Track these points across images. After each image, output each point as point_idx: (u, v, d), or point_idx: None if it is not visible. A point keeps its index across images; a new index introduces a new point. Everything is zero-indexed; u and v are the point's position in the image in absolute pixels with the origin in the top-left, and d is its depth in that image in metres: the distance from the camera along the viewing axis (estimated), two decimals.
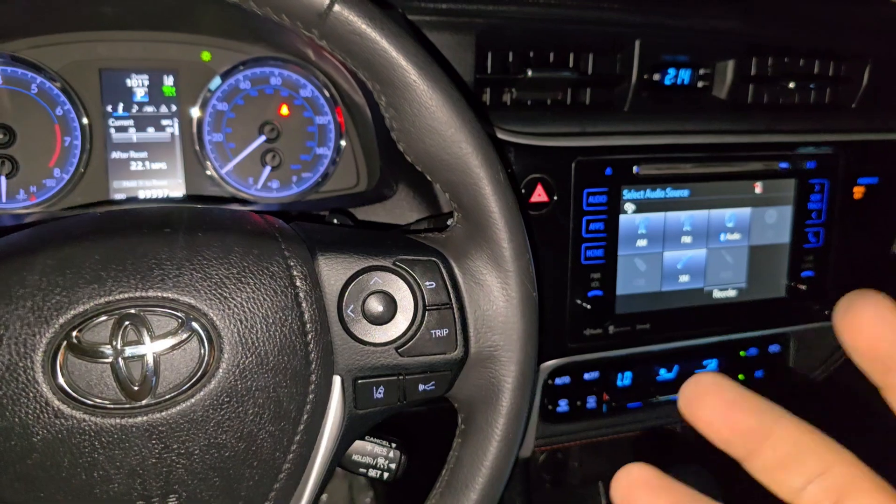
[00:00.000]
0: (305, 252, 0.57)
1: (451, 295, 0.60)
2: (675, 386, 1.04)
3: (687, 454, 1.24)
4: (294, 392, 0.56)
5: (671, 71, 0.94)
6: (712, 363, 1.05)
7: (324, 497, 1.67)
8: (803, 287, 1.02)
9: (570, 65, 0.91)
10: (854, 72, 1.05)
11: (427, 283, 0.60)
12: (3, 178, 0.87)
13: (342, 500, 1.68)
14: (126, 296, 0.52)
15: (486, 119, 0.83)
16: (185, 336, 0.52)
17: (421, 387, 0.61)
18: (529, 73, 0.85)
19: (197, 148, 0.92)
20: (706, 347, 1.04)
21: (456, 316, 0.60)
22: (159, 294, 0.52)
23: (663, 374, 1.03)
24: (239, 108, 0.93)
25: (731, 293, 0.99)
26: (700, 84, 0.97)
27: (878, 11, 1.04)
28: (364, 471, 0.68)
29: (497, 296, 0.61)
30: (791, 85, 1.00)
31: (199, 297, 0.53)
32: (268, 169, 0.95)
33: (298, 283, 0.56)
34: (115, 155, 0.91)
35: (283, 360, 0.55)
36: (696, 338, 1.00)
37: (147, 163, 0.92)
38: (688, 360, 1.04)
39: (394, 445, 0.69)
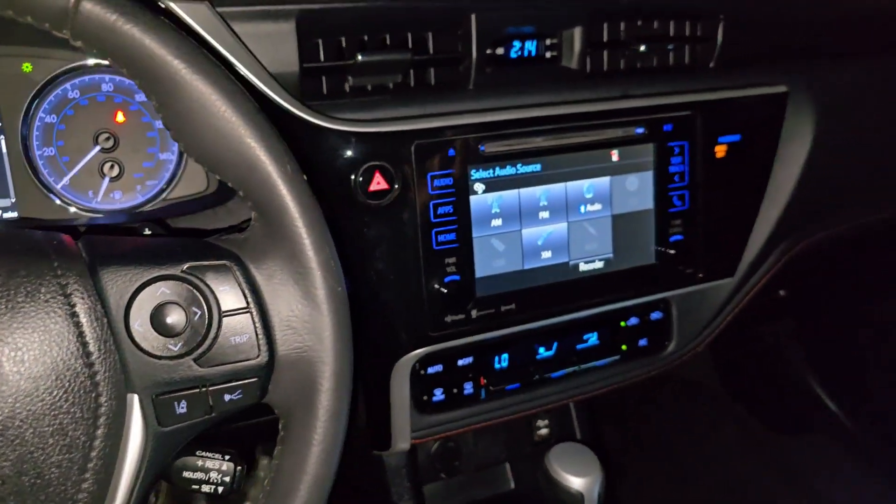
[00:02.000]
0: (83, 267, 0.54)
1: (249, 298, 0.57)
2: (555, 363, 1.03)
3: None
4: (80, 417, 0.52)
5: (516, 43, 0.92)
6: (592, 336, 1.04)
7: None
8: (673, 251, 1.01)
9: (410, 45, 0.88)
10: (708, 30, 1.04)
11: (221, 288, 0.57)
12: None
13: None
14: None
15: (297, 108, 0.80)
16: None
17: (227, 397, 0.58)
18: (359, 57, 0.82)
19: (27, 165, 0.88)
20: (585, 321, 1.02)
21: (255, 319, 0.57)
22: None
23: (542, 352, 1.01)
24: (69, 119, 0.88)
25: (599, 264, 0.97)
26: (548, 55, 0.95)
27: None
28: (196, 487, 0.66)
29: (298, 295, 0.58)
30: (642, 48, 0.98)
31: None
32: (107, 180, 0.90)
33: (76, 301, 0.53)
34: None
35: (64, 384, 0.52)
36: (565, 313, 0.98)
37: None
38: (567, 335, 1.03)
39: (227, 458, 0.66)
